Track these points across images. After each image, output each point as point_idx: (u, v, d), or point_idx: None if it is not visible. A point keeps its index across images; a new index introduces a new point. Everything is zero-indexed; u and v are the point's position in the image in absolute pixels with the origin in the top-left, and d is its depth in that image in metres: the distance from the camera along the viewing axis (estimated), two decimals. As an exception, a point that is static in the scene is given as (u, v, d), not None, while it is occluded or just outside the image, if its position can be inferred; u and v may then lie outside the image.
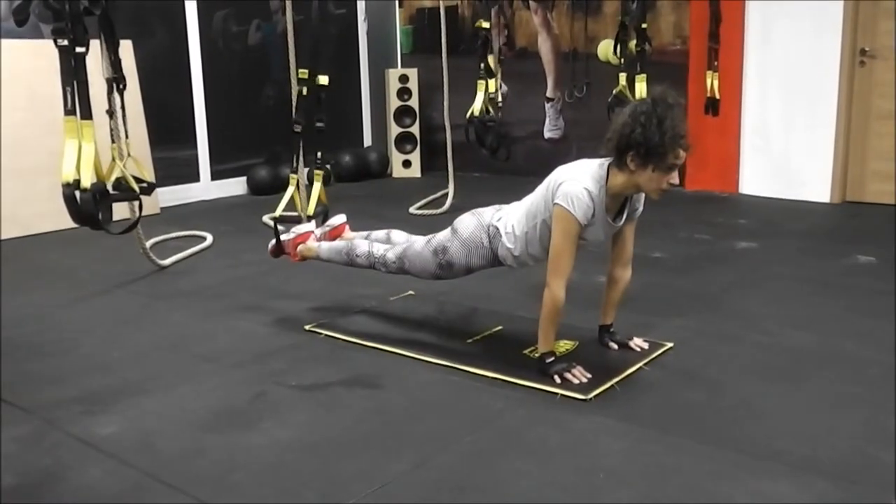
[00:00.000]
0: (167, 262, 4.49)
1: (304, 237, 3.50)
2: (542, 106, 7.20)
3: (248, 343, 3.24)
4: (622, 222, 2.81)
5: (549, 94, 7.20)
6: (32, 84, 5.23)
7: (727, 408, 2.57)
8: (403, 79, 7.55)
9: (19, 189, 5.22)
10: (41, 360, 3.11)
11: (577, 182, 2.65)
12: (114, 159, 3.77)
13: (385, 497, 2.09)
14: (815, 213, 5.61)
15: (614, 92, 5.35)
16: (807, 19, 5.73)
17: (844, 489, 2.08)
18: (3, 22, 5.31)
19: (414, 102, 7.58)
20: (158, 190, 5.64)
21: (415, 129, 7.62)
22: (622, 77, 5.26)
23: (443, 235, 3.07)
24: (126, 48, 5.39)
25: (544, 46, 7.17)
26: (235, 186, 6.87)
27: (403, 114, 7.60)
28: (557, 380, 2.71)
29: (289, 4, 4.75)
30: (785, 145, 5.99)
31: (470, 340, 3.18)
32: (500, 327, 3.31)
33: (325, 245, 3.44)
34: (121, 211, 3.97)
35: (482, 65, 5.45)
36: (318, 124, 3.90)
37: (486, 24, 5.45)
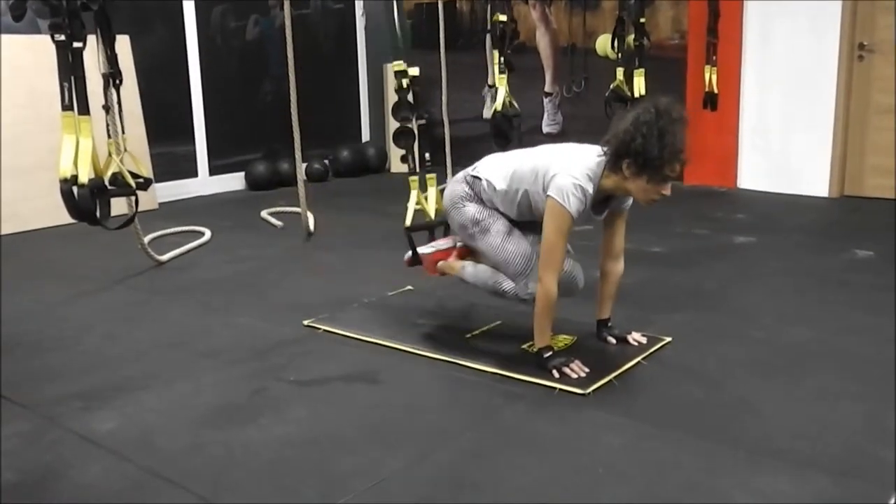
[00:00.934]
0: (165, 257, 4.48)
1: (445, 254, 3.28)
2: (540, 101, 7.19)
3: (246, 339, 3.23)
4: (602, 216, 2.83)
5: (547, 88, 7.19)
6: (30, 79, 5.22)
7: (725, 403, 2.57)
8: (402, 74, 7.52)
9: (17, 185, 5.21)
10: (40, 357, 3.11)
11: (571, 177, 2.65)
12: (110, 154, 3.76)
13: (384, 492, 2.09)
14: (813, 208, 5.61)
15: (612, 87, 5.36)
16: (805, 14, 5.72)
17: (843, 485, 2.08)
18: (1, 17, 5.29)
19: (412, 97, 7.55)
20: (156, 185, 5.64)
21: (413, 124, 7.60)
22: (620, 72, 5.26)
23: (453, 224, 3.09)
24: (123, 43, 5.40)
25: (542, 41, 7.16)
26: (233, 182, 6.87)
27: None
28: (556, 374, 2.71)
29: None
30: (783, 140, 5.99)
31: (469, 335, 3.18)
32: (498, 322, 3.31)
33: (470, 269, 3.12)
34: (119, 206, 3.97)
35: (501, 59, 5.39)
36: (420, 121, 3.74)
37: (503, 18, 5.41)
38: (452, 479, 2.16)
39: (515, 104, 5.51)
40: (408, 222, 3.45)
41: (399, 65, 3.70)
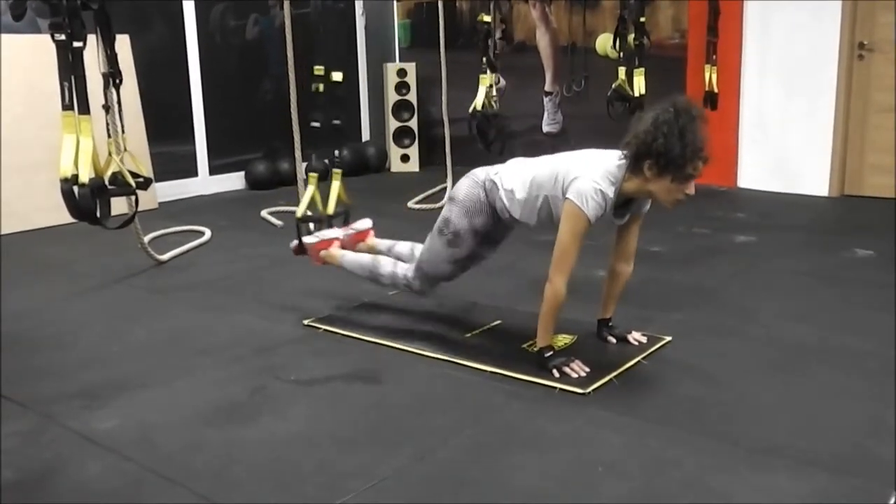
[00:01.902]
0: (165, 256, 4.48)
1: (328, 243, 3.44)
2: (540, 100, 7.19)
3: (247, 338, 3.23)
4: (624, 220, 2.81)
5: (547, 88, 7.19)
6: (30, 79, 5.22)
7: (726, 401, 2.57)
8: (402, 73, 7.54)
9: (18, 184, 5.21)
10: (40, 355, 3.11)
11: (591, 181, 2.63)
12: (110, 154, 3.76)
13: (384, 491, 2.09)
14: (813, 207, 5.61)
15: (613, 86, 5.36)
16: (805, 12, 5.72)
17: (843, 482, 2.08)
18: (1, 16, 5.29)
19: (412, 97, 7.56)
20: (156, 185, 5.64)
21: (413, 124, 7.61)
22: (621, 71, 5.26)
23: (442, 212, 3.08)
24: (123, 43, 5.39)
25: (543, 40, 7.16)
26: (233, 181, 6.86)
27: (402, 108, 7.59)
28: (556, 374, 2.71)
29: (286, -1, 4.74)
30: (783, 139, 5.99)
31: (469, 335, 3.18)
32: (499, 321, 3.31)
33: (350, 257, 3.38)
34: (120, 206, 3.97)
35: (483, 59, 5.44)
36: (335, 122, 3.87)
37: (486, 18, 5.44)
38: (452, 478, 2.16)
39: (495, 105, 5.53)
40: (299, 213, 3.60)
41: (319, 69, 3.90)
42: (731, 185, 6.23)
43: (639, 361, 2.87)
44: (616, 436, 2.35)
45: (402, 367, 2.91)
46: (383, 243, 3.52)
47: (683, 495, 2.03)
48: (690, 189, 2.60)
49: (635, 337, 3.03)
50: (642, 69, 5.18)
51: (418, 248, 3.29)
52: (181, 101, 6.50)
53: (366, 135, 7.96)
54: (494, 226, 3.01)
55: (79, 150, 3.33)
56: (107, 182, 3.60)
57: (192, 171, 6.62)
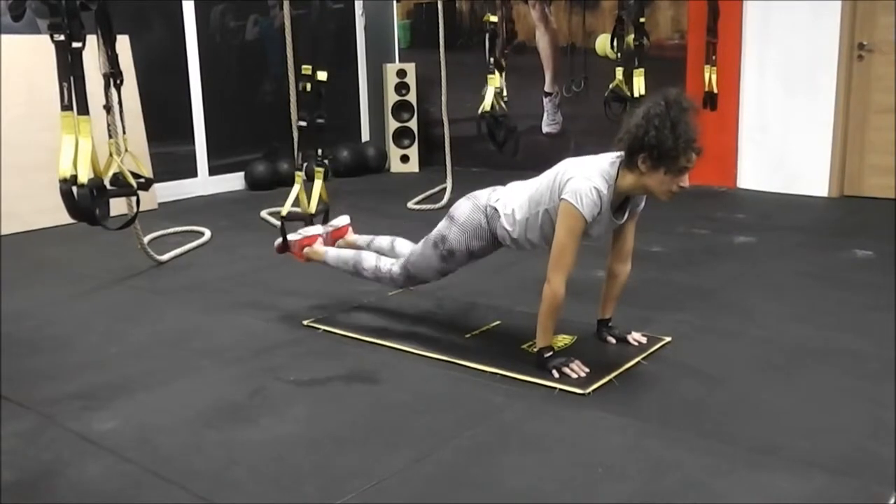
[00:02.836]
0: (165, 257, 4.48)
1: (311, 240, 3.49)
2: (540, 100, 7.19)
3: (246, 338, 3.23)
4: (624, 219, 2.81)
5: (547, 88, 7.19)
6: (30, 80, 5.22)
7: (726, 402, 2.57)
8: (401, 73, 7.54)
9: (17, 185, 5.21)
10: (39, 356, 3.11)
11: (586, 179, 2.64)
12: (111, 155, 3.76)
13: (384, 492, 2.09)
14: (813, 208, 5.61)
15: (611, 86, 5.36)
16: (805, 13, 5.72)
17: (843, 483, 2.08)
18: (0, 17, 5.29)
19: (412, 97, 7.56)
20: (156, 185, 5.63)
21: (413, 124, 7.61)
22: (618, 72, 5.26)
23: (440, 226, 3.07)
24: (123, 43, 5.39)
25: (542, 41, 7.16)
26: (233, 182, 6.86)
27: (401, 109, 7.59)
28: (556, 374, 2.71)
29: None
30: (783, 140, 5.99)
31: (468, 335, 3.18)
32: (498, 322, 3.31)
33: (333, 252, 3.43)
34: (119, 206, 3.97)
35: (491, 59, 5.41)
36: (319, 120, 3.90)
37: (493, 18, 5.42)
38: (452, 478, 2.16)
39: (504, 105, 5.51)
40: (284, 212, 3.67)
41: (306, 69, 3.94)
42: (730, 185, 6.23)
43: (638, 362, 2.87)
44: (616, 436, 2.35)
45: (401, 367, 2.91)
46: (362, 238, 3.56)
47: (683, 496, 2.03)
48: (685, 181, 2.61)
49: (635, 337, 3.02)
50: (642, 70, 5.18)
51: (399, 242, 3.37)
52: (181, 102, 6.50)
53: (365, 135, 7.96)
54: (490, 249, 3.04)
55: (78, 150, 3.33)
56: (108, 183, 3.60)
57: (191, 172, 6.63)
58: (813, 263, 4.19)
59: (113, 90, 3.81)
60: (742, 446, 2.27)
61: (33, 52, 5.09)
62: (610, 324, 3.07)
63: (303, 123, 3.89)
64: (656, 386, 2.70)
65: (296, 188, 3.81)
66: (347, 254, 3.38)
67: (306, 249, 3.48)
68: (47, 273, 4.35)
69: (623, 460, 2.21)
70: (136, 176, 3.75)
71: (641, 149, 2.55)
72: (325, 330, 3.29)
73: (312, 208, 3.77)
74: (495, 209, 2.92)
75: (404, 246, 3.33)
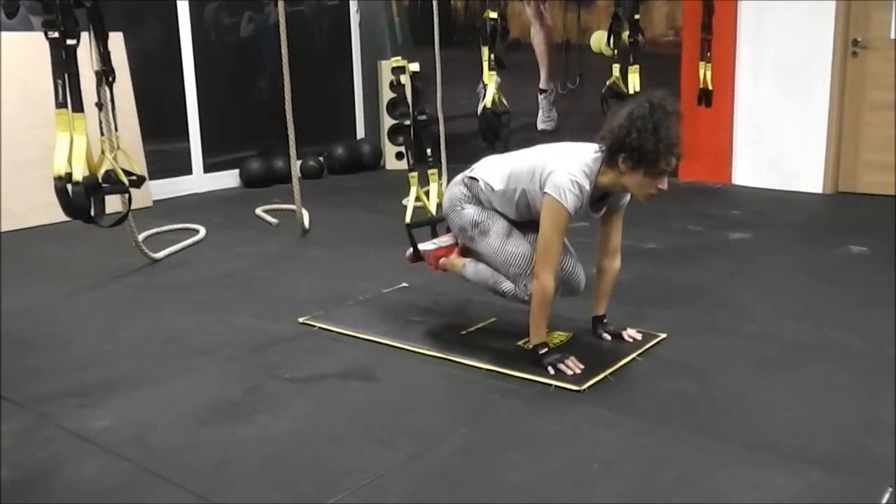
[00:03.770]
0: (160, 255, 4.47)
1: (448, 251, 3.26)
2: (534, 97, 7.19)
3: (242, 336, 3.23)
4: (601, 213, 2.84)
5: (541, 85, 7.19)
6: (24, 77, 5.20)
7: (721, 398, 2.58)
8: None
9: (12, 182, 5.20)
10: (34, 355, 3.10)
11: (568, 173, 2.66)
12: (103, 152, 3.75)
13: (380, 489, 2.09)
14: (807, 204, 5.62)
15: (608, 83, 5.36)
16: (799, 10, 5.72)
17: (837, 479, 2.09)
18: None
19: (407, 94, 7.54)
20: (151, 183, 5.62)
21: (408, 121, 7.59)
22: (615, 68, 5.25)
23: (451, 230, 3.13)
24: (117, 41, 5.38)
25: (537, 38, 7.16)
26: (228, 179, 6.85)
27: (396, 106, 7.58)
28: (551, 371, 2.71)
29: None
30: (778, 136, 6.00)
31: (464, 332, 3.18)
32: (494, 319, 3.31)
33: (472, 267, 3.11)
34: (114, 204, 3.96)
35: (492, 56, 5.40)
36: (421, 117, 3.61)
37: (493, 15, 5.41)
38: (448, 475, 2.16)
39: (505, 101, 5.50)
40: (408, 219, 3.40)
41: (397, 61, 3.68)
42: (725, 182, 6.24)
43: (634, 358, 2.87)
44: (611, 433, 2.35)
45: (397, 364, 2.91)
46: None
47: (679, 492, 2.04)
48: (663, 184, 2.61)
49: (630, 334, 3.03)
50: (637, 66, 5.18)
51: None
52: (175, 99, 6.48)
53: (360, 132, 7.95)
54: (492, 208, 2.97)
55: (72, 148, 3.32)
56: (101, 180, 3.59)
57: (186, 169, 6.61)
58: (808, 260, 4.20)
59: (105, 88, 3.80)
60: (737, 442, 2.27)
61: (28, 49, 5.07)
62: (605, 320, 3.07)
63: (407, 122, 3.58)
64: (651, 382, 2.70)
65: (413, 191, 3.52)
66: (487, 272, 3.04)
67: (443, 260, 3.25)
68: (42, 271, 4.34)
69: (618, 456, 2.22)
70: (128, 173, 3.74)
71: (622, 149, 2.57)
72: (320, 327, 3.29)
73: (433, 210, 3.50)
74: (472, 178, 2.98)
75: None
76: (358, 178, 7.15)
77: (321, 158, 7.22)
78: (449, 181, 3.21)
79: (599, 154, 2.67)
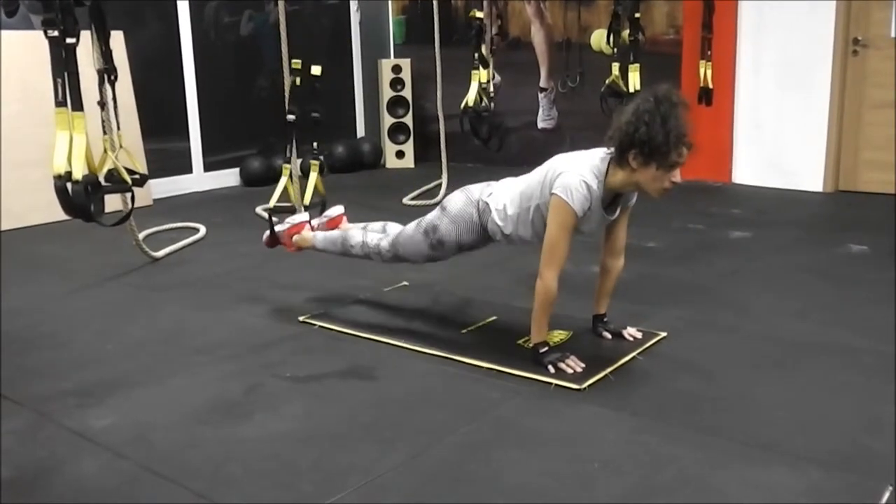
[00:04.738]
0: (160, 253, 4.47)
1: (298, 227, 3.49)
2: (535, 96, 7.19)
3: (242, 335, 3.23)
4: (616, 215, 2.82)
5: (542, 84, 7.19)
6: (24, 75, 5.20)
7: (721, 397, 2.58)
8: (396, 69, 7.53)
9: (12, 181, 5.20)
10: (34, 353, 3.10)
11: (576, 174, 2.64)
12: (105, 151, 3.75)
13: (380, 488, 2.09)
14: (808, 203, 5.62)
15: (607, 82, 5.36)
16: (800, 8, 5.72)
17: (838, 477, 2.09)
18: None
19: (407, 93, 7.56)
20: (151, 181, 5.62)
21: (408, 120, 7.61)
22: (615, 67, 5.25)
23: (432, 215, 3.07)
24: (118, 39, 5.37)
25: (537, 36, 7.16)
26: (228, 178, 6.85)
27: (396, 104, 7.58)
28: (551, 370, 2.71)
29: (281, -6, 4.73)
30: (778, 135, 6.00)
31: (464, 331, 3.18)
32: (494, 317, 3.31)
33: (321, 235, 3.43)
34: (113, 203, 3.95)
35: (476, 55, 5.44)
36: (314, 115, 3.89)
37: (479, 14, 5.44)
38: (448, 474, 2.16)
39: (487, 100, 5.52)
40: (271, 205, 3.67)
41: (296, 63, 3.99)
42: (726, 180, 6.24)
43: (634, 357, 2.87)
44: (611, 432, 2.35)
45: (397, 363, 2.91)
46: (356, 227, 3.53)
47: (679, 491, 2.04)
48: (676, 177, 2.60)
49: (630, 332, 3.03)
50: (637, 65, 5.18)
51: (390, 225, 3.35)
52: (175, 98, 6.48)
53: (360, 131, 7.95)
54: (480, 243, 3.04)
55: (72, 146, 3.32)
56: (102, 179, 3.59)
57: (186, 168, 6.61)
58: (808, 258, 4.19)
59: (107, 86, 3.80)
60: (738, 441, 2.27)
61: (27, 47, 5.07)
62: (605, 319, 3.07)
63: (291, 117, 3.91)
64: (652, 381, 2.70)
65: (283, 181, 3.82)
66: (334, 235, 3.39)
67: (295, 237, 3.48)
68: (42, 270, 4.34)
69: (619, 455, 2.22)
70: (130, 172, 3.74)
71: (632, 145, 2.55)
72: (320, 326, 3.29)
73: (307, 201, 3.77)
74: (487, 204, 2.93)
75: (395, 227, 3.32)
76: (358, 176, 7.16)
77: (321, 157, 7.22)
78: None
79: (608, 155, 2.66)
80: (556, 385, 2.64)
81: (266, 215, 3.68)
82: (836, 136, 5.86)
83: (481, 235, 2.99)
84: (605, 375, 2.71)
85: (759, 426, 2.36)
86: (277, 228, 3.52)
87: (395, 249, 3.17)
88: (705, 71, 5.71)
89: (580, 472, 2.14)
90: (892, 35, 5.58)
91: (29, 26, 5.32)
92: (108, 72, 3.78)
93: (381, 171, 7.56)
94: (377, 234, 3.28)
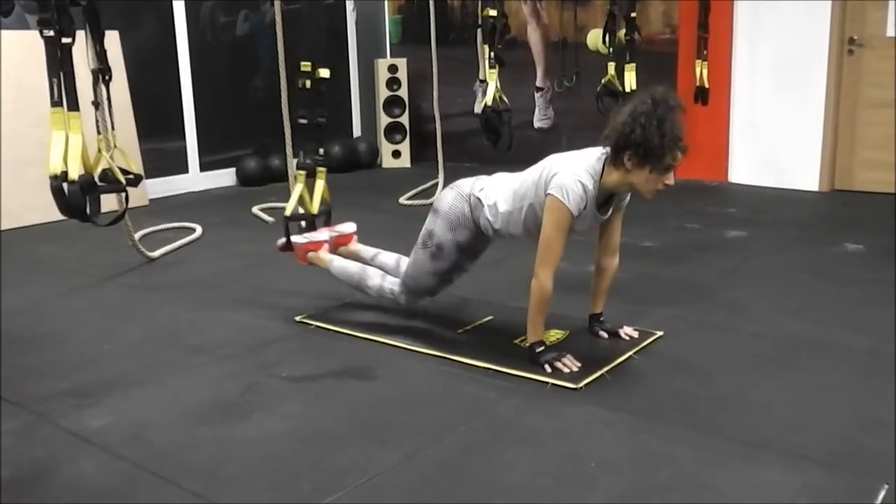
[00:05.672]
0: (156, 254, 4.47)
1: (316, 246, 3.43)
2: (531, 96, 7.19)
3: (239, 335, 3.23)
4: (608, 214, 2.82)
5: (538, 83, 7.19)
6: (20, 76, 5.19)
7: (718, 396, 2.58)
8: (393, 69, 7.53)
9: (9, 181, 5.18)
10: (32, 354, 3.09)
11: (572, 174, 2.65)
12: (100, 151, 3.74)
13: (378, 488, 2.09)
14: (804, 202, 5.63)
15: (603, 81, 5.36)
16: (796, 8, 5.73)
17: (834, 476, 2.10)
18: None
19: (403, 93, 7.55)
20: (147, 181, 5.62)
21: (404, 120, 7.60)
22: (611, 66, 5.26)
23: (426, 222, 3.08)
24: (113, 39, 5.37)
25: (533, 36, 7.16)
26: (224, 178, 6.84)
27: (393, 104, 7.57)
28: (548, 369, 2.71)
29: (277, -6, 4.72)
30: (774, 134, 6.01)
31: (461, 330, 3.19)
32: (491, 317, 3.32)
33: (338, 263, 3.36)
34: (110, 203, 3.95)
35: (492, 54, 5.39)
36: (321, 119, 3.84)
37: (493, 13, 5.41)
38: (446, 473, 2.16)
39: (506, 99, 5.49)
40: (288, 212, 3.57)
41: (306, 65, 3.90)
42: (722, 180, 6.25)
43: (630, 356, 2.87)
44: (608, 431, 2.36)
45: (394, 363, 2.91)
46: (367, 251, 3.50)
47: (676, 490, 2.04)
48: (670, 180, 2.61)
49: (627, 332, 3.03)
50: (633, 64, 5.18)
51: (404, 261, 3.28)
52: (171, 98, 6.47)
53: (357, 131, 7.95)
54: (477, 239, 3.03)
55: (68, 146, 3.31)
56: (97, 179, 3.59)
57: (182, 168, 6.60)
58: (804, 258, 4.20)
59: (102, 86, 3.79)
60: (734, 440, 2.28)
61: (23, 47, 5.05)
62: (601, 318, 3.08)
63: (303, 121, 3.84)
64: (648, 380, 2.71)
65: (298, 187, 3.69)
66: (353, 268, 3.31)
67: (311, 255, 3.43)
68: (38, 270, 4.33)
69: (615, 454, 2.22)
70: (125, 172, 3.74)
71: (627, 146, 2.56)
72: (317, 326, 3.29)
73: (315, 208, 3.69)
74: (479, 199, 2.93)
75: (406, 261, 3.27)
76: (354, 176, 7.15)
77: (317, 157, 7.21)
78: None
79: (603, 155, 2.67)
80: (553, 384, 2.64)
81: (270, 218, 3.66)
82: (832, 135, 5.87)
83: (475, 232, 2.99)
84: (602, 375, 2.71)
85: (755, 425, 2.37)
86: (295, 239, 3.46)
87: (406, 285, 3.13)
88: (701, 70, 5.71)
89: (577, 472, 2.15)
90: (888, 34, 5.60)
91: (24, 26, 5.31)
92: (102, 72, 3.77)
93: (377, 170, 7.56)
94: (392, 279, 3.23)
